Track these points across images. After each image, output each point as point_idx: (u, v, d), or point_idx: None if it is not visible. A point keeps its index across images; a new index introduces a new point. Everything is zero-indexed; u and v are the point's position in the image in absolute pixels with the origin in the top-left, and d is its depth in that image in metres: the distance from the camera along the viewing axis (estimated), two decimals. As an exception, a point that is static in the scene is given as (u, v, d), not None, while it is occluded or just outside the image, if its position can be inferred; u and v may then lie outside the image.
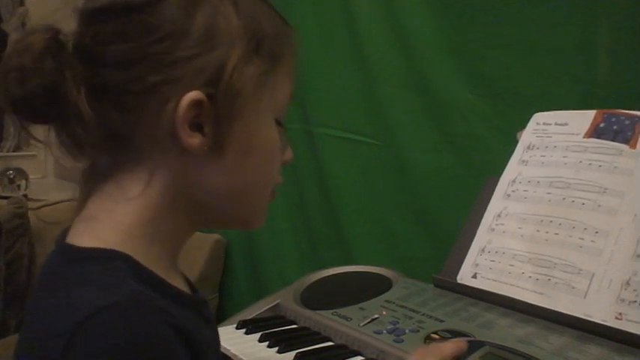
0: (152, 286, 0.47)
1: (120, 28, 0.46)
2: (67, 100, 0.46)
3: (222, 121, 0.48)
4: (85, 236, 0.49)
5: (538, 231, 0.90)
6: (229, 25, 0.49)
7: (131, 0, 0.47)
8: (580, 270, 0.83)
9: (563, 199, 0.90)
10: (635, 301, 0.76)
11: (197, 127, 0.48)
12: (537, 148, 0.97)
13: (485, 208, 0.98)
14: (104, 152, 0.49)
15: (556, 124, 0.98)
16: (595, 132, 0.92)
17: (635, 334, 0.74)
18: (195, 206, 0.52)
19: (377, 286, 1.02)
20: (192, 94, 0.46)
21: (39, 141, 0.51)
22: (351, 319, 0.88)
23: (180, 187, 0.50)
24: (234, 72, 0.48)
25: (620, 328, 0.75)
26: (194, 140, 0.48)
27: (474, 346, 0.77)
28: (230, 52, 0.48)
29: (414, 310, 0.89)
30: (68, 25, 0.48)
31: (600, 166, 0.88)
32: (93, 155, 0.50)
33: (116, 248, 0.47)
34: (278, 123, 0.54)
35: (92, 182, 0.51)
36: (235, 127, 0.49)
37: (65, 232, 0.52)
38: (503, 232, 0.94)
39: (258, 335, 0.87)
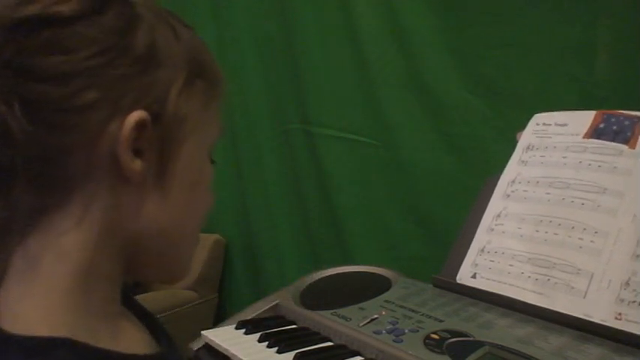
0: None
1: (50, 39, 0.41)
2: None
3: (166, 147, 0.46)
4: (18, 308, 0.43)
5: (537, 231, 0.90)
6: (170, 47, 0.46)
7: (63, 10, 0.42)
8: (579, 270, 0.83)
9: (563, 199, 0.90)
10: (635, 301, 0.76)
11: (137, 152, 0.44)
12: (537, 149, 0.98)
13: (485, 208, 0.98)
14: (29, 187, 0.42)
15: (556, 124, 0.98)
16: (595, 132, 0.92)
17: (635, 334, 0.74)
18: (129, 247, 0.47)
19: (376, 286, 1.02)
20: (138, 114, 0.43)
21: None
22: (351, 319, 0.88)
23: (116, 223, 0.45)
24: (180, 94, 0.46)
25: (619, 328, 0.75)
26: (136, 166, 0.44)
27: (474, 346, 0.77)
28: (174, 74, 0.46)
29: (413, 310, 0.89)
30: None
31: (600, 166, 0.88)
32: (12, 193, 0.42)
33: (56, 323, 0.42)
34: (211, 160, 0.52)
35: (11, 234, 0.44)
36: (179, 155, 0.47)
37: None
38: (503, 232, 0.94)
39: (257, 335, 0.87)
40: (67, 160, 0.42)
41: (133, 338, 0.51)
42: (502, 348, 0.76)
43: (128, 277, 0.50)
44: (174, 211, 0.48)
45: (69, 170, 0.43)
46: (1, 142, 0.40)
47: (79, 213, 0.44)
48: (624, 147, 0.88)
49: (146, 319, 0.56)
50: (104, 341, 0.45)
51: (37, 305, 0.43)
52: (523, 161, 0.98)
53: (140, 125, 0.43)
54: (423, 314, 0.87)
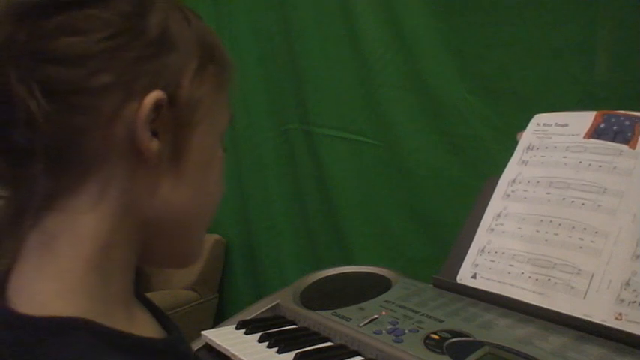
0: (123, 349, 0.44)
1: (65, 22, 0.42)
2: (14, 102, 0.40)
3: (180, 130, 0.46)
4: (33, 289, 0.43)
5: (537, 231, 0.90)
6: (182, 32, 0.47)
7: None
8: (579, 270, 0.83)
9: (563, 199, 0.90)
10: (635, 301, 0.76)
11: (153, 134, 0.44)
12: (537, 149, 0.98)
13: (485, 209, 0.98)
14: (46, 169, 0.42)
15: (556, 124, 0.98)
16: (595, 133, 0.92)
17: (635, 334, 0.74)
18: (143, 230, 0.48)
19: (376, 286, 1.02)
20: (157, 94, 0.44)
21: None
22: (351, 319, 0.88)
23: (132, 205, 0.46)
24: (193, 78, 0.47)
25: (619, 328, 0.75)
26: (153, 146, 0.44)
27: (474, 346, 0.77)
28: (187, 58, 0.47)
29: (413, 310, 0.89)
30: None
31: (600, 166, 0.88)
32: (29, 176, 0.42)
33: (73, 304, 0.43)
34: (223, 148, 0.53)
35: (26, 216, 0.44)
36: (192, 139, 0.47)
37: (4, 287, 0.44)
38: (503, 232, 0.94)
39: (257, 335, 0.87)
40: (84, 142, 0.43)
41: (147, 325, 0.51)
42: (502, 348, 0.76)
43: (140, 263, 0.50)
44: (188, 194, 0.49)
45: (85, 152, 0.43)
46: (22, 124, 0.40)
47: (96, 195, 0.44)
48: (624, 147, 0.88)
49: (156, 313, 0.56)
50: (120, 324, 0.45)
51: (53, 286, 0.43)
52: (523, 161, 0.98)
53: (158, 106, 0.44)
54: (423, 314, 0.87)
